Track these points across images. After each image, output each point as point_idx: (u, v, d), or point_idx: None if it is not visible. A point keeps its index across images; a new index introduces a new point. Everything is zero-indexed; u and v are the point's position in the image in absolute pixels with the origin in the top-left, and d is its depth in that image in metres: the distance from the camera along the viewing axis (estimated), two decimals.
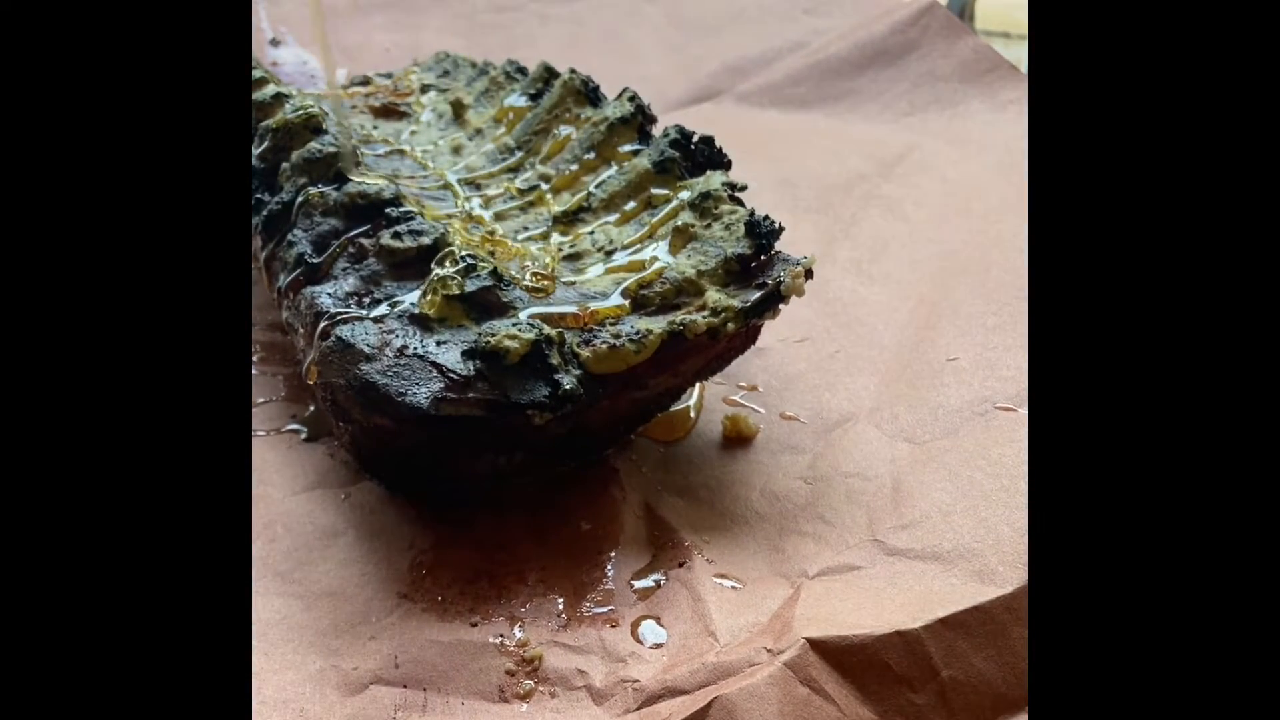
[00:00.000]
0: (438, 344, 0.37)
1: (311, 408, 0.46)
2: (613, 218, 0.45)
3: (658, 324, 0.38)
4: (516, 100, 0.54)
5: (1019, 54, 0.74)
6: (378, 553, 0.39)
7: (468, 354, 0.37)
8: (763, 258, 0.41)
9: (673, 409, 0.45)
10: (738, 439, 0.44)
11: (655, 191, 0.45)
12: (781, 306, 0.40)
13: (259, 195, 0.47)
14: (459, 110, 0.56)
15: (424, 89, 0.60)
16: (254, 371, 0.49)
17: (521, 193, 0.48)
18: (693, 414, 0.45)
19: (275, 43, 0.81)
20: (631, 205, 0.45)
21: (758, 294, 0.39)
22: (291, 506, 0.41)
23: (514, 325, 0.38)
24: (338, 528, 0.40)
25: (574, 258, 0.43)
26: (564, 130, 0.51)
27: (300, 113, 0.48)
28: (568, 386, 0.36)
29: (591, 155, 0.48)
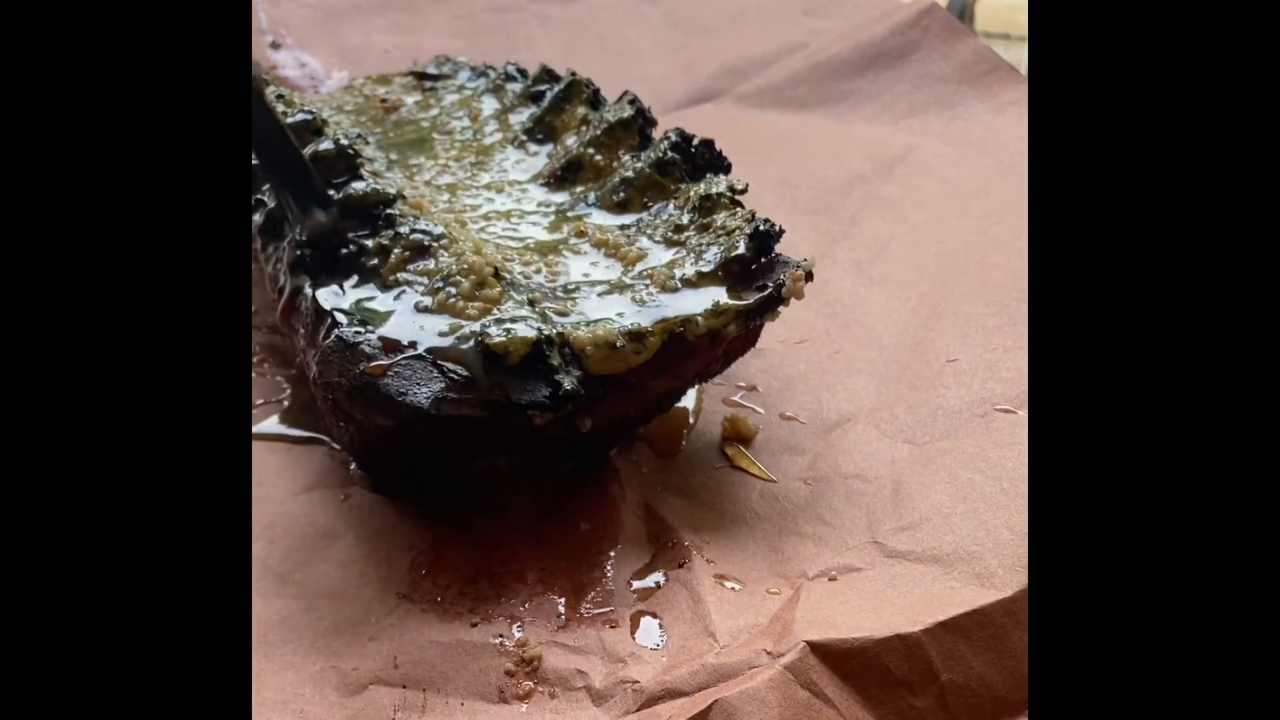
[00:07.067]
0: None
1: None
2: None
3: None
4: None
5: (1019, 55, 0.74)
6: (377, 553, 0.39)
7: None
8: (763, 260, 0.41)
9: (671, 410, 0.45)
10: (737, 439, 0.44)
11: (656, 195, 0.45)
12: (781, 308, 0.40)
13: (259, 196, 0.46)
14: None
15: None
16: (254, 373, 0.49)
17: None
18: (691, 419, 0.45)
19: (275, 45, 0.81)
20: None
21: (758, 296, 0.40)
22: (291, 508, 0.41)
23: (513, 325, 0.38)
24: (337, 529, 0.40)
25: None
26: (564, 133, 0.51)
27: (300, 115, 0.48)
28: (568, 387, 0.36)
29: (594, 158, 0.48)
